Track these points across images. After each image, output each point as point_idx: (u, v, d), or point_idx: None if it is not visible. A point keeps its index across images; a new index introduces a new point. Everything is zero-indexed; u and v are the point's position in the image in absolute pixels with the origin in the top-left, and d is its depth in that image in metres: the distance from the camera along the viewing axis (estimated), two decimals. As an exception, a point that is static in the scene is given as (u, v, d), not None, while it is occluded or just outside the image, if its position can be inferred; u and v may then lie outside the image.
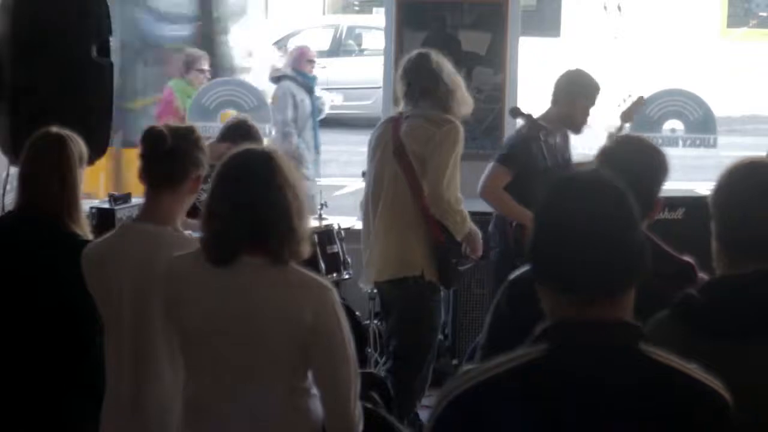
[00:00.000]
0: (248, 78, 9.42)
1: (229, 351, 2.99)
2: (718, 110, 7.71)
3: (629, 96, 6.65)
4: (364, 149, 5.60)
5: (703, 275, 2.89)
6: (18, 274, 3.88)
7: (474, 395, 1.98)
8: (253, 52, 10.45)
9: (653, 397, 1.96)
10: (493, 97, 7.12)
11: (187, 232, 3.56)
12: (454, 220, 5.26)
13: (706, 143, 7.46)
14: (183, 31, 10.22)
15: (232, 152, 3.09)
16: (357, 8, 18.96)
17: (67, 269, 3.65)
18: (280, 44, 13.99)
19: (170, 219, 3.50)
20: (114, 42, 5.22)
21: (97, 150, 4.61)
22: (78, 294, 3.58)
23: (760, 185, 2.53)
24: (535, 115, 5.66)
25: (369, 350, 6.05)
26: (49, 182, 3.89)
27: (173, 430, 3.32)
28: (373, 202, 5.41)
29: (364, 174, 5.64)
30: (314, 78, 8.44)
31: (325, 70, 12.98)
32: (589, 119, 5.91)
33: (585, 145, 6.13)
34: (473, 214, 5.54)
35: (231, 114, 7.23)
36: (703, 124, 7.45)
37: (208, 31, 10.04)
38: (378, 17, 15.50)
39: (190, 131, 3.59)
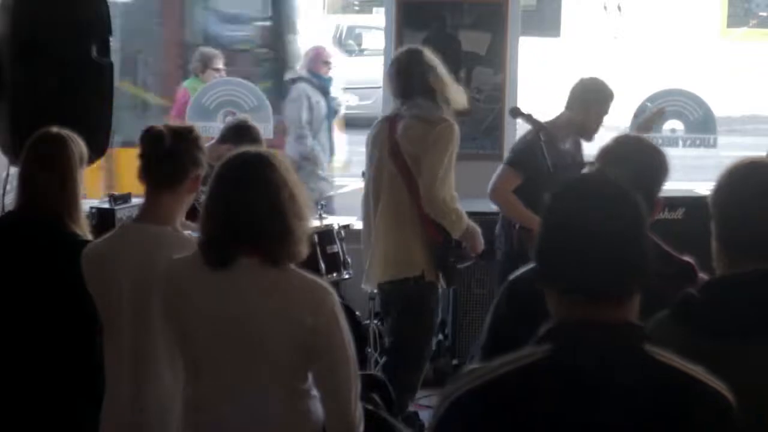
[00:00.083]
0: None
1: (228, 353, 2.99)
2: (718, 110, 7.69)
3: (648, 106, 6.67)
4: (364, 149, 5.60)
5: (703, 275, 2.89)
6: (18, 274, 3.88)
7: (477, 396, 1.98)
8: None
9: (657, 398, 1.96)
10: (493, 97, 7.11)
11: (187, 233, 3.56)
12: (450, 218, 5.25)
13: (706, 143, 7.45)
14: (248, 31, 10.27)
15: (230, 154, 3.09)
16: (357, 8, 18.95)
17: (67, 269, 3.65)
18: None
19: (170, 219, 3.50)
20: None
21: (97, 150, 4.61)
22: (78, 294, 3.58)
23: (760, 185, 2.53)
24: (542, 118, 5.64)
25: (369, 350, 6.04)
26: (49, 182, 3.89)
27: (173, 430, 3.32)
28: (373, 202, 5.42)
29: (364, 174, 5.64)
30: (330, 79, 8.38)
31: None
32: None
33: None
34: (476, 214, 5.53)
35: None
36: (703, 124, 7.44)
37: (280, 31, 10.05)
38: (378, 17, 15.51)
39: (189, 131, 3.60)
